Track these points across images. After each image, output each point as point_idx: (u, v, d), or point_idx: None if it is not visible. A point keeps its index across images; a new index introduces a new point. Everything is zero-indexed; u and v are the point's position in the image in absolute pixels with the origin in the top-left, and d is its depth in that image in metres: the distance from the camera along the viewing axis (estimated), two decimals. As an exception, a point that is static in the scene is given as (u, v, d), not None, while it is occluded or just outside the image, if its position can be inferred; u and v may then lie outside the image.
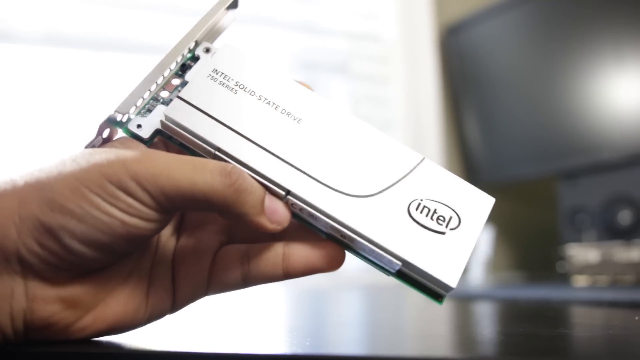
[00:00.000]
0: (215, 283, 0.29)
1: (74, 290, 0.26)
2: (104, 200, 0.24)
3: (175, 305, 0.29)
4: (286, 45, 1.13)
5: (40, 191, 0.25)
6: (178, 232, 0.30)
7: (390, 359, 0.23)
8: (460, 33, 1.21)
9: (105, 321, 0.26)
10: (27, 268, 0.25)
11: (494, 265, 1.22)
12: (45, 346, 0.27)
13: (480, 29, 1.16)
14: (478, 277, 1.03)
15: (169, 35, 1.03)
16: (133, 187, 0.24)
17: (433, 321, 0.38)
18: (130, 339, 0.29)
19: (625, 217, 0.93)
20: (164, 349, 0.26)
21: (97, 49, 0.99)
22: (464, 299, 0.58)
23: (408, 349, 0.26)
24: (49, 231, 0.24)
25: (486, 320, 0.38)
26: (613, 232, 0.94)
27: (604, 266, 0.85)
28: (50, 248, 0.24)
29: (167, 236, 0.30)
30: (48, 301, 0.25)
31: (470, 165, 1.22)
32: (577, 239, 0.98)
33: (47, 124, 0.94)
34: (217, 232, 0.30)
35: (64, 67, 0.97)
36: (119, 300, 0.27)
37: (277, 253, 0.28)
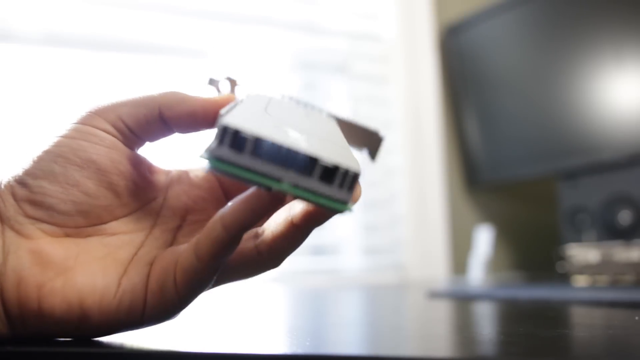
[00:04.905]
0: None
1: (45, 246, 0.27)
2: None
3: (146, 304, 0.28)
4: (286, 45, 1.13)
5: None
6: (170, 240, 0.31)
7: (390, 359, 0.23)
8: (460, 33, 1.21)
9: (73, 288, 0.27)
10: (5, 223, 0.27)
11: (494, 265, 1.22)
12: (45, 346, 0.27)
13: (480, 29, 1.16)
14: (478, 277, 1.03)
15: (169, 35, 1.03)
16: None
17: (433, 321, 0.38)
18: (131, 339, 0.29)
19: (625, 217, 0.93)
20: (164, 349, 0.26)
21: (97, 49, 0.99)
22: (464, 299, 0.58)
23: (408, 349, 0.26)
24: (20, 182, 0.27)
25: (486, 320, 0.38)
26: (613, 232, 0.94)
27: (604, 266, 0.85)
28: (23, 196, 0.27)
29: (153, 239, 0.30)
30: (19, 253, 0.27)
31: (470, 165, 1.22)
32: (577, 239, 0.98)
33: (47, 124, 0.94)
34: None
35: (64, 67, 0.97)
36: (89, 272, 0.28)
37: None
